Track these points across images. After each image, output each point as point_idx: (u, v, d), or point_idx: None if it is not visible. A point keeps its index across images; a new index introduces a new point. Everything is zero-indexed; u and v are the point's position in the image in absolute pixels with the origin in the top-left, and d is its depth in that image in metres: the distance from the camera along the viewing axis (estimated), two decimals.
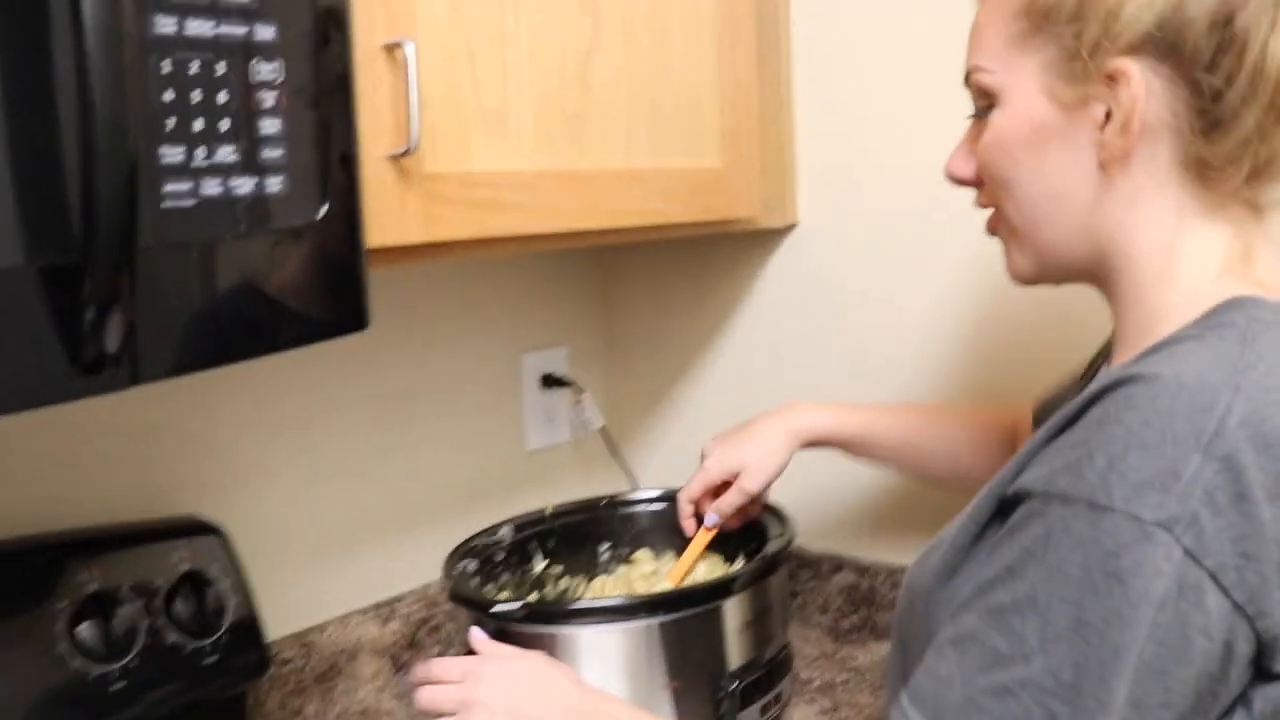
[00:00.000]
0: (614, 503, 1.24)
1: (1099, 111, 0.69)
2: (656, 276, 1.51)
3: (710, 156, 1.20)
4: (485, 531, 1.13)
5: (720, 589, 1.01)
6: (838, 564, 1.34)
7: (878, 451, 1.11)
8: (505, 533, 1.14)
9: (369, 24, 0.82)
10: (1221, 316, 0.66)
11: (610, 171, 1.06)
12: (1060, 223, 0.73)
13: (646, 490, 1.26)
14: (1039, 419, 1.01)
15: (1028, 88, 0.72)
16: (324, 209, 0.75)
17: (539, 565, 1.16)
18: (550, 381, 1.43)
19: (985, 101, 0.76)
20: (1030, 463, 0.66)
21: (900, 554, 1.31)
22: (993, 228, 0.80)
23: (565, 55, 1.01)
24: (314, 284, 0.76)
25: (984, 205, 0.80)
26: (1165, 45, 0.66)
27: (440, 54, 0.90)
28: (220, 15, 0.68)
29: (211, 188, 0.69)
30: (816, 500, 1.33)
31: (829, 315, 1.35)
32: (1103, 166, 0.70)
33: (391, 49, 0.85)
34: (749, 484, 1.08)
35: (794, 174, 1.34)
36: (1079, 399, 0.65)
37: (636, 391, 1.54)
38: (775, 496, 1.15)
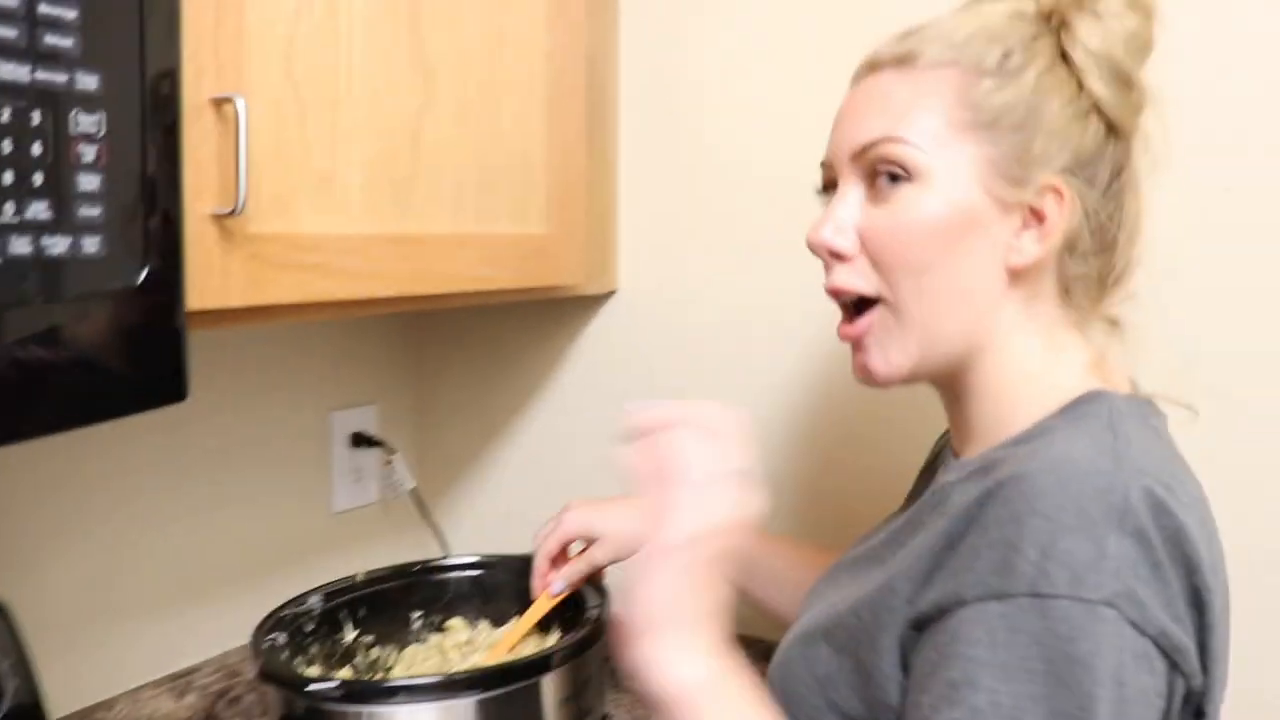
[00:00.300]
0: (427, 568, 1.21)
1: (1019, 217, 0.74)
2: (470, 338, 1.49)
3: (537, 223, 1.20)
4: (293, 601, 1.08)
5: (540, 664, 0.99)
6: None
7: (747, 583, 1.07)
8: (314, 602, 1.09)
9: (197, 75, 0.79)
10: (1084, 408, 0.71)
11: (438, 236, 1.05)
12: (958, 317, 0.75)
13: (461, 556, 1.23)
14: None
15: (962, 175, 0.73)
16: (145, 273, 0.71)
17: (349, 635, 1.12)
18: (360, 440, 1.39)
19: (890, 173, 0.75)
20: (934, 577, 0.67)
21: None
22: (857, 329, 0.78)
23: (397, 117, 1.00)
24: (130, 353, 0.72)
25: (843, 291, 0.78)
26: (1083, 175, 0.74)
27: (271, 111, 0.86)
28: (38, 60, 0.64)
29: (20, 247, 0.64)
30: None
31: (644, 382, 1.37)
32: (1010, 270, 0.74)
33: (220, 103, 0.81)
34: (599, 556, 1.07)
35: (615, 241, 1.36)
36: (967, 497, 0.67)
37: (447, 454, 1.51)
38: None
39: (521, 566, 1.14)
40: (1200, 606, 0.64)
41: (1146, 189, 0.79)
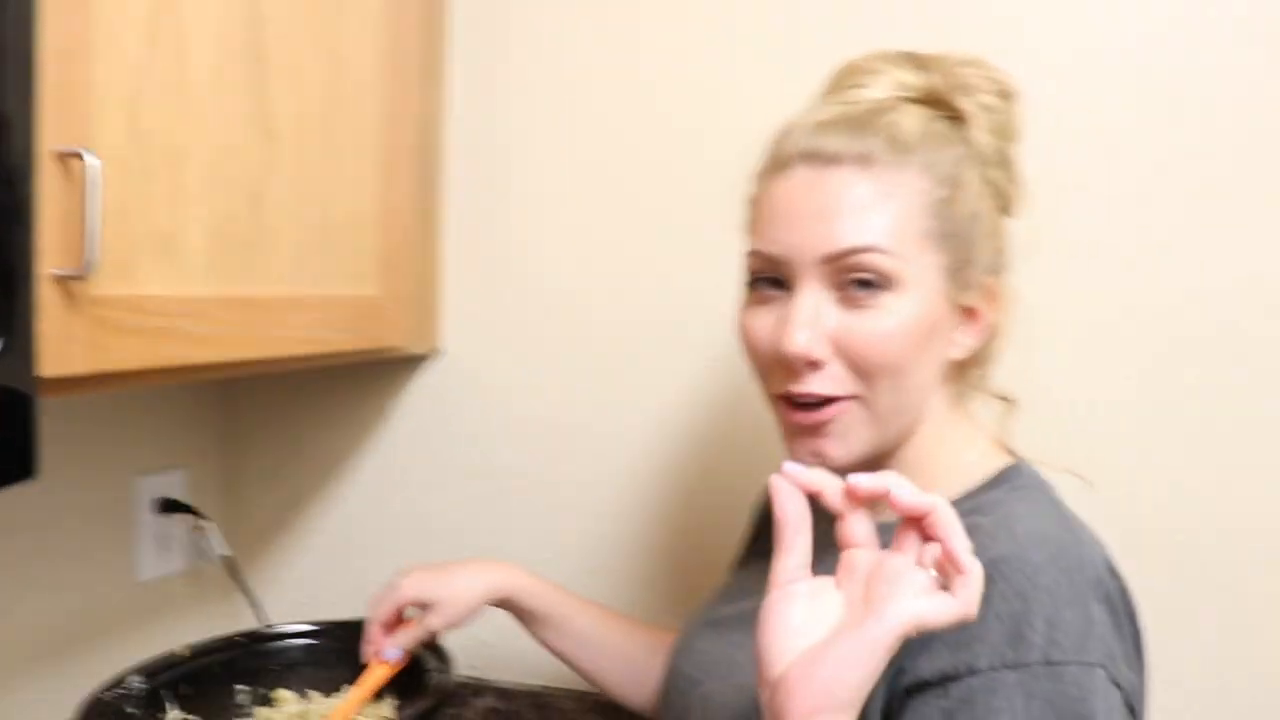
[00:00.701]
0: (256, 638, 1.15)
1: (958, 315, 0.80)
2: (282, 400, 1.44)
3: (369, 284, 1.19)
4: (113, 683, 1.01)
5: None
6: (479, 688, 1.34)
7: (562, 635, 1.09)
8: (135, 682, 1.02)
9: (38, 127, 0.74)
10: (1015, 481, 0.80)
11: (278, 298, 1.02)
12: (915, 409, 0.81)
13: (288, 624, 1.18)
14: None
15: (932, 283, 0.77)
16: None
17: (172, 715, 1.05)
18: (168, 506, 1.32)
19: (875, 285, 0.75)
20: (932, 646, 0.68)
21: (541, 677, 1.34)
22: (829, 415, 0.78)
23: (240, 176, 0.97)
24: None
25: (817, 395, 0.77)
26: (1000, 270, 0.82)
27: (114, 168, 0.82)
28: None
29: None
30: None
31: (467, 444, 1.37)
32: (949, 363, 0.81)
33: (65, 157, 0.77)
34: (435, 622, 1.06)
35: (440, 302, 1.36)
36: None
37: (260, 520, 1.45)
38: None
39: (352, 633, 1.11)
40: (1141, 651, 0.74)
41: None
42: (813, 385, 0.77)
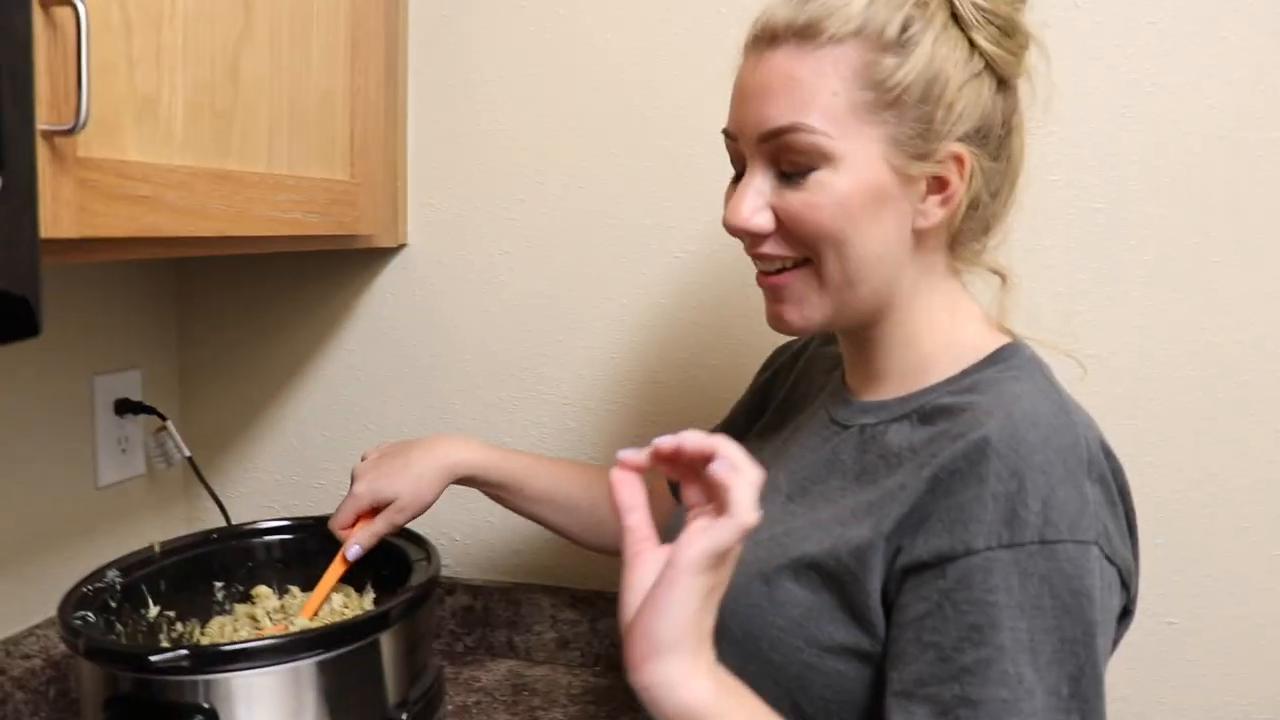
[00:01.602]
0: (229, 535, 1.13)
1: (923, 184, 0.77)
2: (239, 296, 1.40)
3: (340, 168, 1.15)
4: (93, 576, 0.98)
5: (378, 621, 0.96)
6: (450, 586, 1.33)
7: (524, 499, 1.11)
8: (113, 577, 0.99)
9: None
10: (1011, 360, 0.78)
11: (257, 175, 0.98)
12: (874, 279, 0.79)
13: (263, 521, 1.15)
14: (678, 491, 1.08)
15: (870, 154, 0.76)
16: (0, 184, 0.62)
17: (153, 611, 1.02)
18: (125, 408, 1.27)
19: (808, 162, 0.76)
20: (927, 526, 0.70)
21: (512, 574, 1.34)
22: (779, 282, 0.81)
23: (217, 44, 0.92)
24: None
25: (770, 257, 0.80)
26: (980, 138, 0.78)
27: (96, 22, 0.77)
28: None
29: None
30: (431, 525, 1.31)
31: (431, 339, 1.35)
32: (916, 233, 0.78)
33: (49, 6, 0.72)
34: (397, 518, 1.06)
35: (406, 194, 1.32)
36: (938, 461, 0.71)
37: (219, 420, 1.41)
38: None
39: (326, 529, 1.10)
40: (1133, 529, 0.75)
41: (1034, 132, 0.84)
42: (768, 248, 0.80)
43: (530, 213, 1.30)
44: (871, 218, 0.76)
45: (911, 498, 0.72)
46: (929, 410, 0.77)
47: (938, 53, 0.75)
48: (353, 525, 1.07)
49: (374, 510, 1.07)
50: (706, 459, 0.66)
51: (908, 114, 0.75)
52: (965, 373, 0.79)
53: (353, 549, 1.06)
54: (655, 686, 0.64)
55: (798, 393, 0.98)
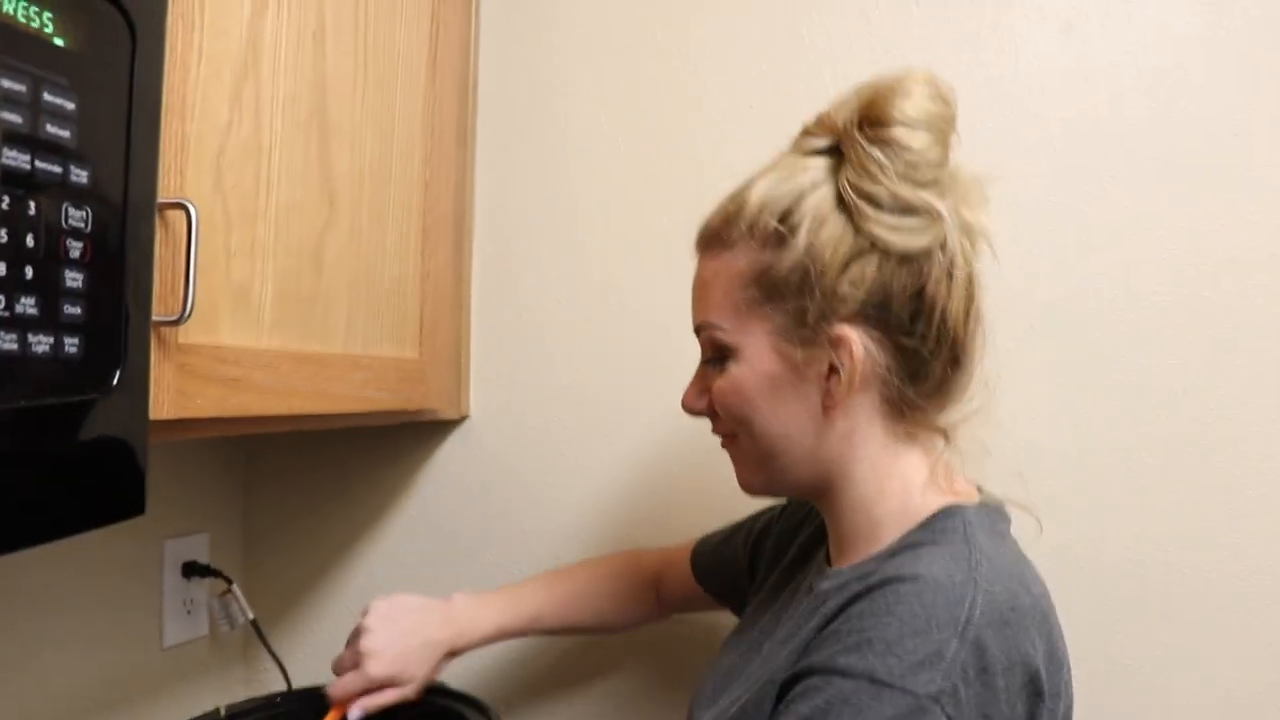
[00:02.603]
0: (292, 698, 1.14)
1: (823, 366, 0.80)
2: (302, 463, 1.45)
3: (410, 347, 1.21)
4: None
5: None
6: None
7: (545, 631, 1.16)
8: None
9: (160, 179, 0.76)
10: (942, 524, 0.79)
11: (335, 356, 1.04)
12: (790, 454, 0.84)
13: (326, 685, 1.16)
14: (698, 563, 1.15)
15: (761, 346, 0.81)
16: (117, 378, 0.68)
17: None
18: (192, 570, 1.30)
19: (718, 353, 0.84)
20: (808, 650, 0.74)
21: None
22: (727, 450, 0.89)
23: (305, 234, 1.00)
24: (99, 461, 0.68)
25: (716, 432, 0.90)
26: (875, 313, 0.79)
27: (201, 220, 0.84)
28: (37, 149, 0.62)
29: (7, 344, 0.60)
30: (483, 682, 1.32)
31: (491, 509, 1.38)
32: (825, 410, 0.82)
33: (164, 209, 0.79)
34: (408, 691, 1.06)
35: (468, 368, 1.38)
36: (840, 599, 0.75)
37: (281, 583, 1.44)
38: None
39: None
40: (1038, 696, 0.72)
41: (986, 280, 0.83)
42: (713, 428, 0.90)
43: (587, 385, 1.34)
44: (770, 401, 0.82)
45: (801, 641, 0.77)
46: (863, 576, 0.79)
47: (814, 242, 0.78)
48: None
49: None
50: None
51: (787, 305, 0.80)
52: (901, 539, 0.81)
53: (354, 712, 1.05)
54: None
55: (807, 554, 1.00)
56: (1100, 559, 1.16)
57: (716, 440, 0.91)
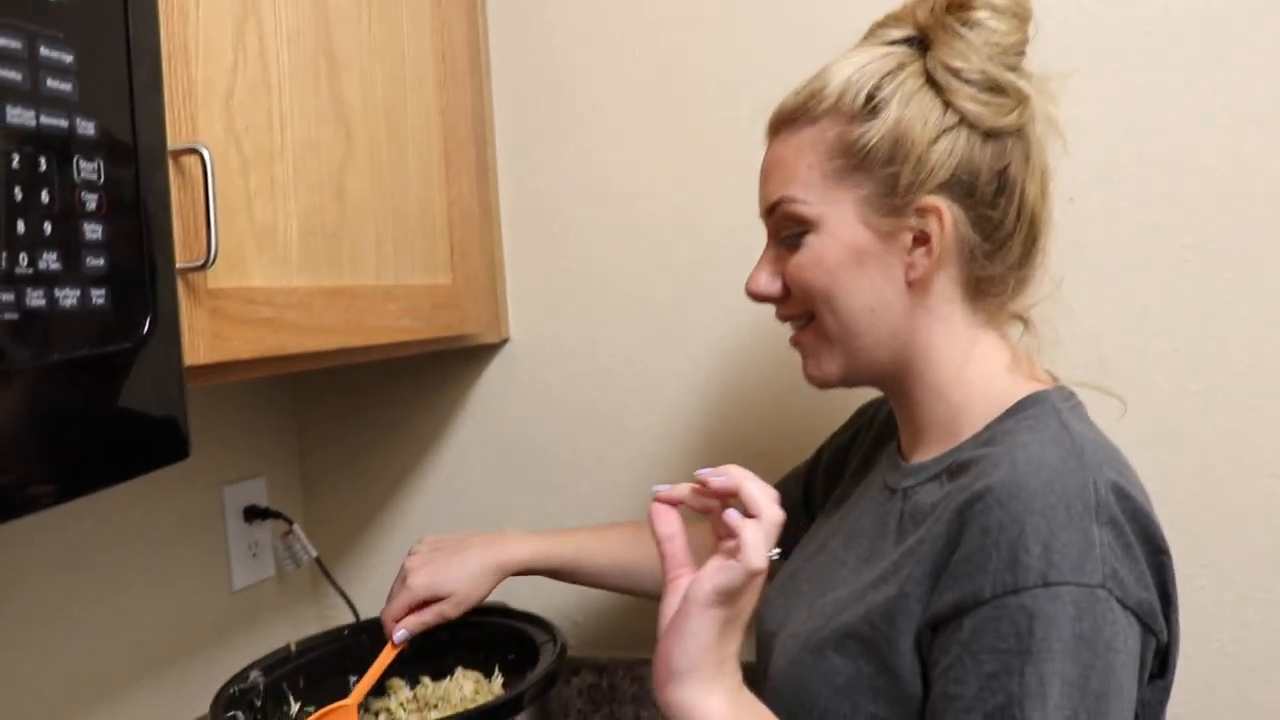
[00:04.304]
0: (358, 630, 1.17)
1: (908, 237, 0.81)
2: (352, 399, 1.47)
3: (443, 274, 1.21)
4: (237, 678, 1.03)
5: (512, 705, 0.99)
6: (576, 666, 1.36)
7: (585, 575, 1.14)
8: (256, 676, 1.04)
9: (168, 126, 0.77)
10: (1031, 410, 0.79)
11: (367, 288, 1.05)
12: (873, 332, 0.84)
13: None
14: None
15: (846, 216, 0.82)
16: (148, 326, 0.69)
17: (295, 707, 1.07)
18: (253, 514, 1.34)
19: (797, 229, 0.85)
20: (943, 580, 0.73)
21: (635, 649, 1.36)
22: (798, 339, 0.89)
23: (325, 169, 1.00)
24: (137, 410, 0.69)
25: (788, 317, 0.89)
26: (961, 187, 0.81)
27: (217, 164, 0.85)
28: (41, 104, 0.62)
29: (35, 299, 0.61)
30: (549, 607, 1.35)
31: (539, 429, 1.40)
32: (909, 284, 0.82)
33: (179, 155, 0.79)
34: (449, 611, 1.08)
35: (505, 291, 1.39)
36: (952, 509, 0.74)
37: (340, 520, 1.48)
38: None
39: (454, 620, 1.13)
40: (1161, 569, 0.73)
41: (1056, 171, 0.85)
42: (781, 311, 0.90)
43: (627, 299, 1.34)
44: (854, 273, 0.83)
45: (930, 553, 0.75)
46: (955, 467, 0.80)
47: (905, 114, 0.81)
48: (404, 617, 1.09)
49: (426, 602, 1.09)
50: (731, 496, 0.72)
51: (876, 174, 0.81)
52: (989, 426, 0.81)
53: (399, 633, 1.08)
54: (674, 706, 0.73)
55: (870, 454, 1.00)
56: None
57: (777, 343, 0.91)
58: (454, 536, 1.13)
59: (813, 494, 1.08)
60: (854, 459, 1.03)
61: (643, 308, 1.34)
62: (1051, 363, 0.89)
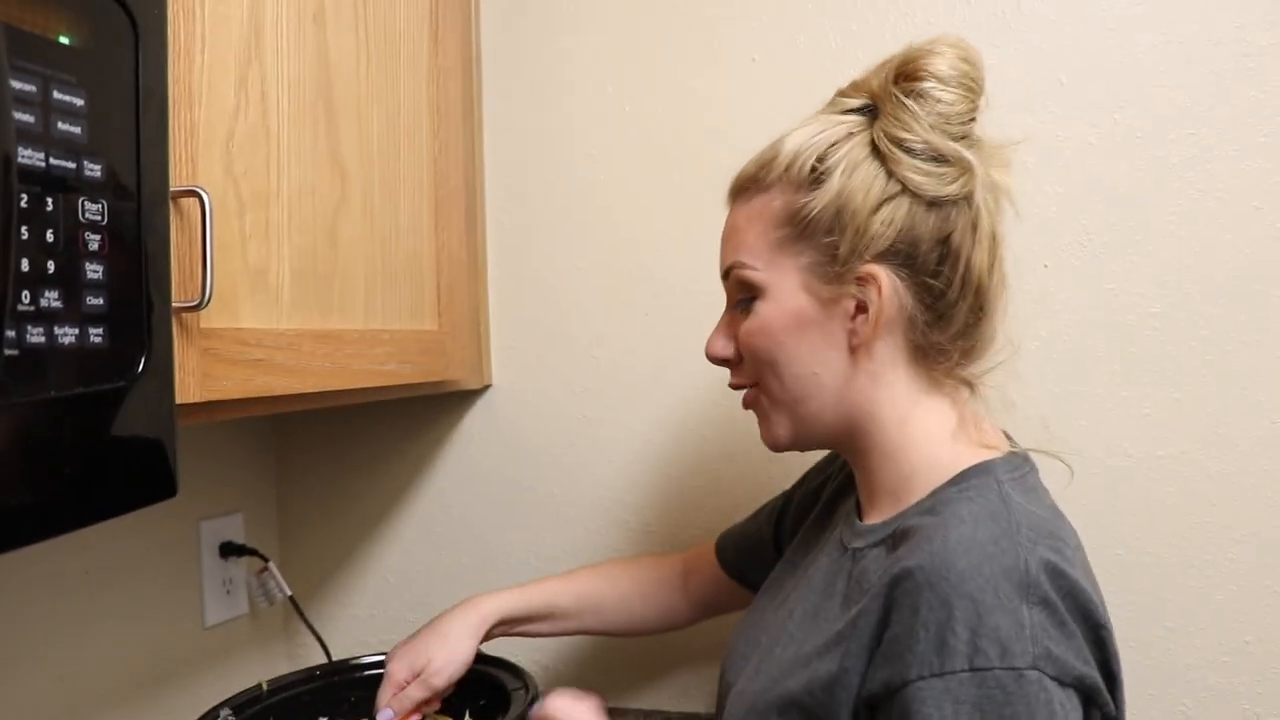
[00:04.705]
0: (331, 670, 1.17)
1: (850, 304, 0.83)
2: (331, 439, 1.47)
3: (429, 319, 1.23)
4: (207, 715, 1.03)
5: None
6: None
7: (560, 618, 1.15)
8: (226, 715, 1.04)
9: (170, 168, 0.78)
10: (972, 480, 0.80)
11: (354, 332, 1.06)
12: (819, 396, 0.85)
13: (363, 656, 1.20)
14: (723, 550, 1.16)
15: (790, 284, 0.85)
16: (142, 365, 0.70)
17: None
18: (229, 550, 1.34)
19: (747, 294, 0.87)
20: (876, 658, 0.73)
21: (608, 695, 1.36)
22: (750, 402, 0.91)
23: (318, 214, 1.01)
24: (127, 447, 0.70)
25: (740, 384, 0.91)
26: (902, 256, 0.82)
27: (215, 206, 0.86)
28: (51, 146, 0.63)
29: (35, 336, 0.62)
30: (522, 655, 1.35)
31: (519, 474, 1.40)
32: (852, 350, 0.84)
33: (179, 197, 0.81)
34: (434, 680, 1.07)
35: (488, 337, 1.40)
36: (884, 583, 0.74)
37: (315, 559, 1.47)
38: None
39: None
40: (1101, 645, 0.74)
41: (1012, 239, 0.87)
42: (731, 378, 0.92)
43: (609, 350, 1.36)
44: (796, 339, 0.85)
45: (867, 627, 0.75)
46: (898, 534, 0.80)
47: (848, 185, 0.82)
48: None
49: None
50: None
51: (818, 242, 0.83)
52: (933, 493, 0.81)
53: (385, 713, 1.07)
54: None
55: (834, 502, 1.01)
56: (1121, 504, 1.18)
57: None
58: (429, 622, 1.13)
59: (782, 533, 1.10)
60: (819, 505, 1.04)
61: (623, 359, 1.36)
62: (1006, 425, 0.90)
